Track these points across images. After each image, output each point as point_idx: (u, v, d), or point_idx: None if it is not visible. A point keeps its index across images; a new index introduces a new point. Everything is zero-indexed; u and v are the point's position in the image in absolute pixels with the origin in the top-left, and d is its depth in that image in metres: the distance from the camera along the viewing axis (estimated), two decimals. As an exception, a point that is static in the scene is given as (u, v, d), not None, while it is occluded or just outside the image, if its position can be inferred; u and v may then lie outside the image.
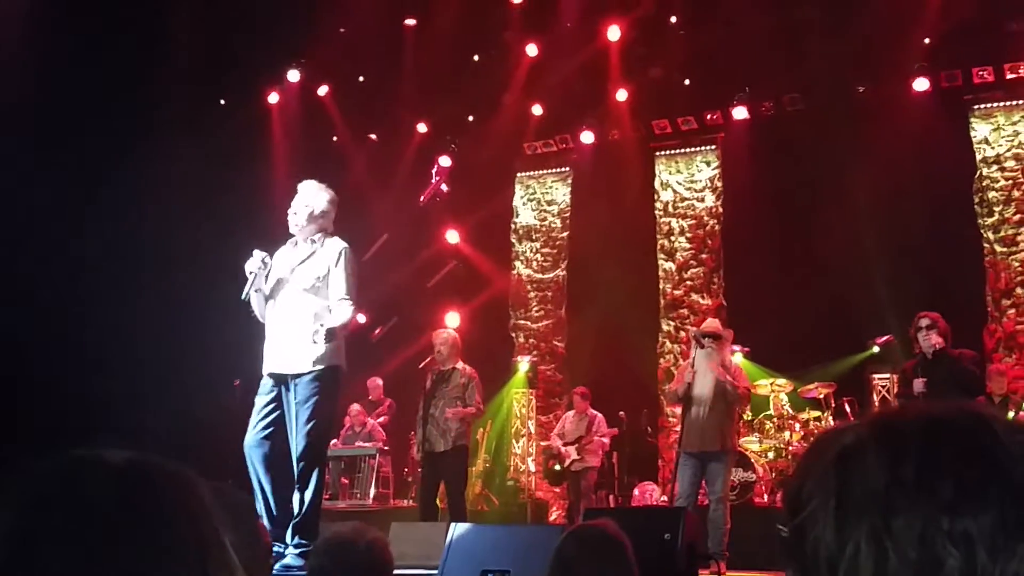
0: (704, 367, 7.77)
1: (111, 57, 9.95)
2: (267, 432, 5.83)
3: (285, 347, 5.87)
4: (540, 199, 15.38)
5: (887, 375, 11.45)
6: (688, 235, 14.15)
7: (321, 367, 5.82)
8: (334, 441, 12.33)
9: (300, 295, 5.93)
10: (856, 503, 0.86)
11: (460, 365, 8.62)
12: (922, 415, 0.90)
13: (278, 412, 5.83)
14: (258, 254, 5.99)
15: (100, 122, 9.85)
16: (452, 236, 15.03)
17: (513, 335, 15.05)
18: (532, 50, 13.20)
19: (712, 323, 8.15)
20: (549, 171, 15.33)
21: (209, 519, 0.99)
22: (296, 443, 5.76)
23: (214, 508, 1.01)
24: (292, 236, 6.13)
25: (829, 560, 0.86)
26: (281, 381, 5.87)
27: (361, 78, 13.60)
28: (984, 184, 12.48)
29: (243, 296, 5.98)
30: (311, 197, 6.07)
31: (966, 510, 0.82)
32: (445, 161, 14.56)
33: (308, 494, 5.76)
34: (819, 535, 0.88)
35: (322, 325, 5.77)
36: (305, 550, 5.69)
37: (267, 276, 6.05)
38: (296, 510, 5.72)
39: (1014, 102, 12.49)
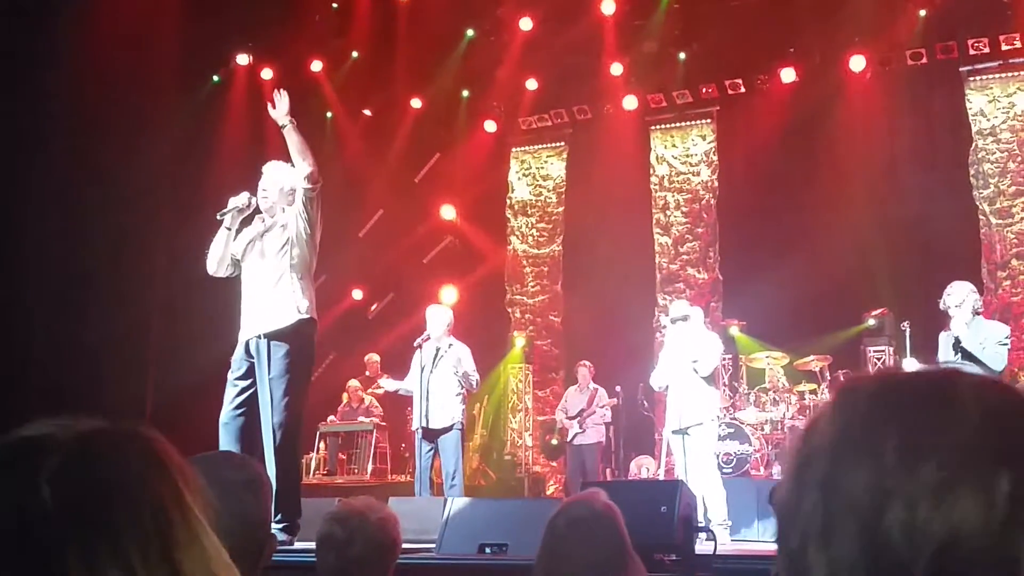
0: (676, 348, 7.87)
1: (101, 38, 9.89)
2: (241, 407, 5.83)
3: (257, 310, 5.90)
4: (535, 174, 15.36)
5: (882, 347, 11.48)
6: (684, 209, 14.15)
7: (294, 320, 5.83)
8: (331, 418, 12.36)
9: (269, 260, 5.96)
10: (810, 460, 0.87)
11: (453, 340, 8.64)
12: (881, 377, 0.91)
13: (252, 389, 5.83)
14: (246, 194, 6.06)
15: (90, 107, 9.78)
16: (447, 211, 15.02)
17: (509, 310, 15.07)
18: (526, 24, 13.15)
19: (678, 305, 8.23)
20: (544, 146, 15.30)
21: (176, 492, 0.94)
22: (272, 417, 5.72)
23: (188, 475, 0.97)
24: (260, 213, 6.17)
25: (790, 521, 0.87)
26: (254, 347, 5.86)
27: (355, 54, 13.54)
28: (980, 156, 12.47)
29: (218, 215, 6.03)
30: (281, 175, 6.08)
31: (908, 466, 0.82)
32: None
33: (288, 468, 5.76)
34: (782, 497, 0.89)
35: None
36: (288, 524, 5.69)
37: (239, 228, 6.09)
38: (276, 485, 5.70)
39: (1009, 73, 12.47)
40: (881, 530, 0.81)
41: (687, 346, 7.79)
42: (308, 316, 5.93)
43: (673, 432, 7.78)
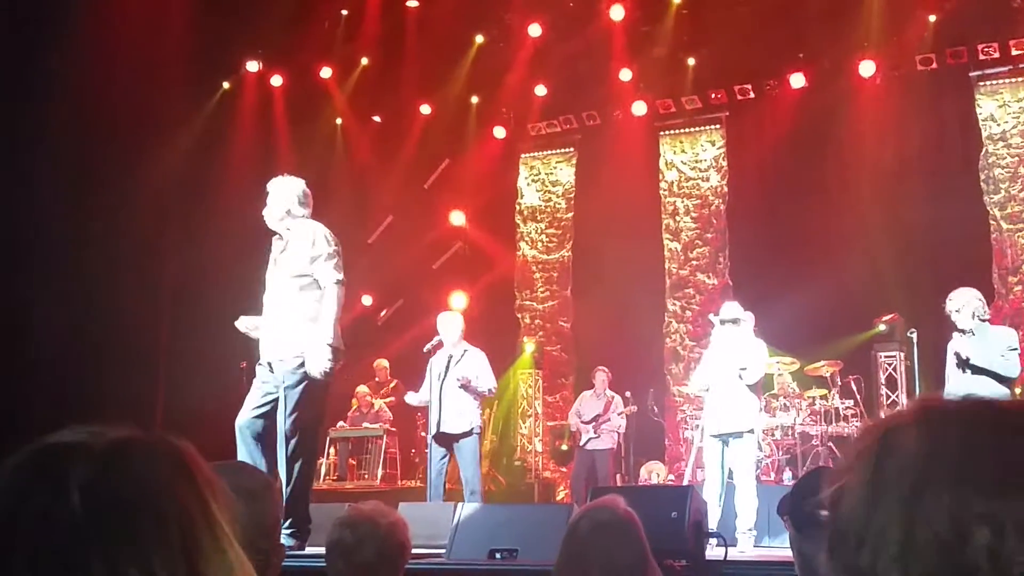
0: (722, 351, 7.70)
1: (113, 41, 9.93)
2: (261, 412, 5.86)
3: (274, 333, 5.93)
4: (545, 179, 15.36)
5: (893, 352, 11.45)
6: (693, 215, 14.13)
7: (312, 332, 5.85)
8: (341, 423, 12.38)
9: (285, 282, 6.01)
10: (891, 475, 0.86)
11: (468, 346, 8.63)
12: (971, 400, 0.90)
13: (274, 396, 5.86)
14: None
15: (100, 113, 9.82)
16: (457, 217, 15.03)
17: (519, 316, 15.06)
18: (535, 30, 13.15)
19: (730, 307, 7.97)
20: (553, 151, 15.30)
21: (203, 503, 0.95)
22: (287, 423, 5.77)
23: (216, 487, 0.98)
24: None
25: (857, 533, 0.86)
26: (274, 367, 5.90)
27: (364, 60, 13.56)
28: (990, 161, 12.43)
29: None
30: (280, 192, 6.10)
31: (1003, 493, 0.81)
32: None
33: (297, 476, 5.77)
34: (851, 507, 0.88)
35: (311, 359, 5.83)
36: (298, 530, 5.71)
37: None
38: (287, 491, 5.73)
39: (1020, 79, 12.43)
40: (965, 553, 0.80)
41: (735, 351, 7.58)
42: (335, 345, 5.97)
43: (712, 436, 7.64)
